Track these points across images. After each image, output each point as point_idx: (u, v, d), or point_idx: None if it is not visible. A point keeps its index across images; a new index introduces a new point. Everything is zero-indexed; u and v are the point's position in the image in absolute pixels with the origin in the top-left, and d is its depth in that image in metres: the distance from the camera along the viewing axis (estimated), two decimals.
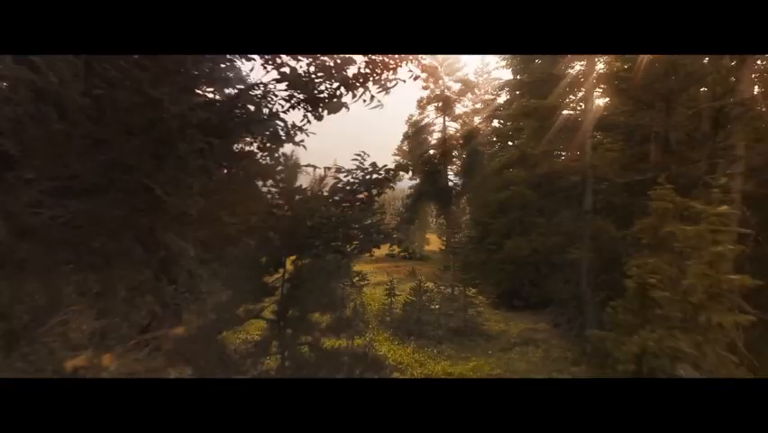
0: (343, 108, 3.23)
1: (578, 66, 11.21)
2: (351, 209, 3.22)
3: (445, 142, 25.59)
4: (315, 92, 3.15)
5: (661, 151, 10.31)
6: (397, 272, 22.71)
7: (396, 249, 27.76)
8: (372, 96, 3.26)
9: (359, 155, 3.25)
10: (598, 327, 10.35)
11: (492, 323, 13.37)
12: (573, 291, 10.75)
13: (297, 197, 3.03)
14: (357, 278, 16.65)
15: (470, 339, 11.53)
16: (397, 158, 26.27)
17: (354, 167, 3.23)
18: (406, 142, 25.85)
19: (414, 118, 26.15)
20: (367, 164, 3.28)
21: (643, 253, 6.62)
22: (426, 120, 26.11)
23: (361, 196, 3.25)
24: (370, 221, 3.33)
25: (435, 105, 26.03)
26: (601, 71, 10.12)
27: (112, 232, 2.61)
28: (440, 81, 26.16)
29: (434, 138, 26.02)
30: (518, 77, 16.13)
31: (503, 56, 17.13)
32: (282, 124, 3.08)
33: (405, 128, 26.69)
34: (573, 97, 11.38)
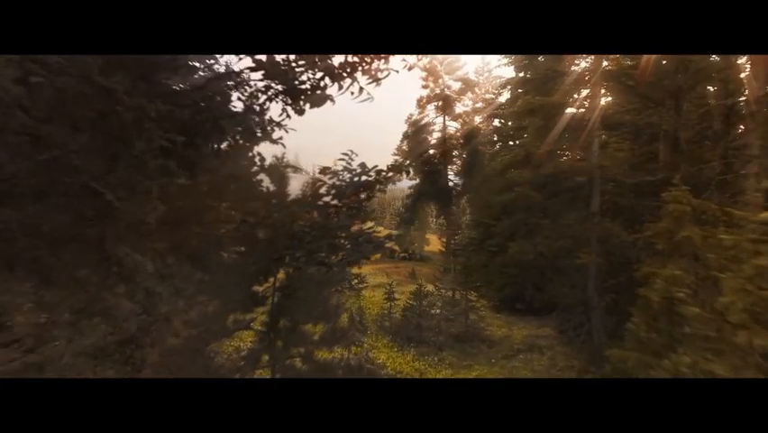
0: (328, 101, 2.85)
1: (583, 63, 10.82)
2: (336, 216, 2.84)
3: (445, 142, 25.30)
4: (296, 82, 2.77)
5: (670, 150, 9.90)
6: (396, 274, 22.38)
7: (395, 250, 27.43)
8: (361, 88, 2.87)
9: (346, 154, 2.87)
10: (606, 335, 9.98)
11: (495, 328, 12.99)
12: (579, 297, 10.33)
13: (275, 201, 2.65)
14: (356, 280, 16.34)
15: (471, 345, 11.15)
16: (397, 158, 25.92)
17: (341, 168, 2.85)
18: (405, 142, 25.55)
19: (413, 117, 25.88)
20: (355, 165, 2.90)
21: (655, 258, 6.22)
22: (426, 119, 25.83)
23: (347, 200, 2.87)
24: (358, 228, 2.95)
25: (435, 104, 25.77)
26: (608, 68, 9.70)
27: (53, 244, 2.24)
28: (440, 80, 25.90)
29: (434, 138, 25.79)
30: (521, 74, 15.72)
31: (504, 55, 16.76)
32: (257, 118, 2.69)
33: (405, 127, 26.43)
34: (579, 95, 10.96)
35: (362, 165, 2.91)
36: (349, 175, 2.89)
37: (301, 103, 2.85)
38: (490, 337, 11.82)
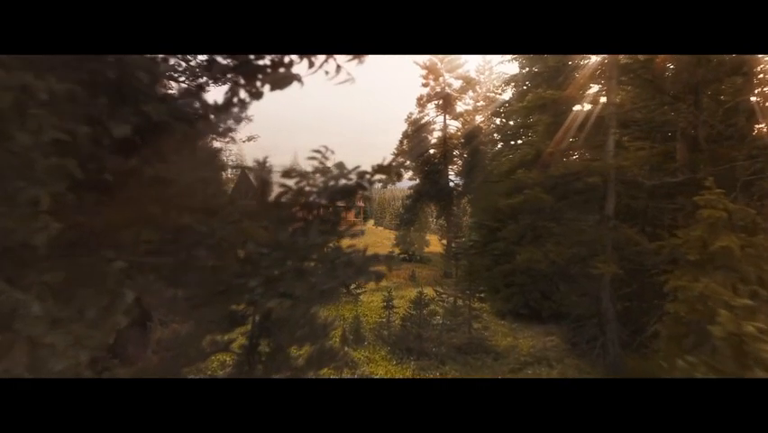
0: (295, 82, 2.17)
1: (594, 56, 10.11)
2: (306, 232, 2.17)
3: (446, 141, 24.68)
4: (251, 57, 2.11)
5: (687, 149, 9.20)
6: (396, 276, 21.75)
7: (396, 250, 26.87)
8: (339, 66, 2.19)
9: (318, 152, 2.20)
10: (622, 349, 9.28)
11: (499, 336, 12.31)
12: (591, 306, 9.62)
13: (219, 214, 1.98)
14: (353, 285, 15.64)
15: (475, 357, 10.45)
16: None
17: (311, 169, 2.18)
18: (405, 142, 24.93)
19: (413, 116, 25.24)
20: (330, 165, 2.23)
21: (683, 269, 5.53)
22: (426, 118, 25.20)
23: (320, 211, 2.21)
24: (334, 247, 2.29)
25: (436, 102, 25.14)
26: (624, 60, 8.95)
27: None
28: (440, 78, 25.28)
29: (435, 137, 25.17)
30: (526, 70, 15.02)
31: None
32: (198, 103, 2.03)
33: (405, 127, 25.82)
34: (592, 90, 10.20)
35: (340, 165, 2.23)
36: (322, 179, 2.22)
37: (258, 84, 2.19)
38: (495, 348, 11.12)
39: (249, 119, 2.39)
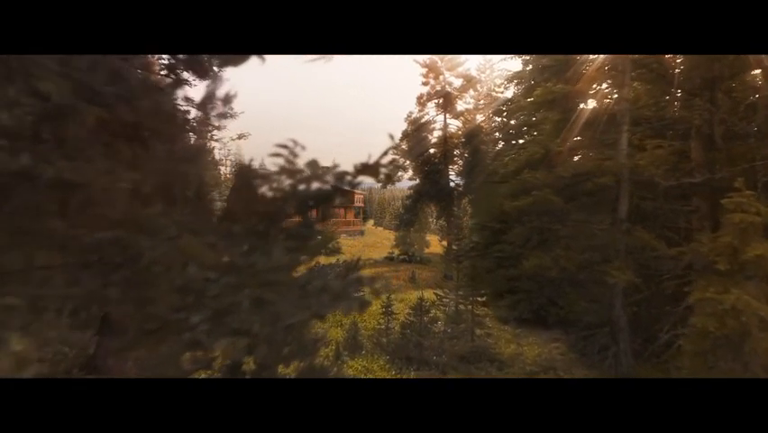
0: (254, 58, 1.69)
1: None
2: (267, 250, 1.69)
3: (446, 141, 24.22)
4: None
5: (702, 148, 8.70)
6: (395, 278, 21.31)
7: (396, 251, 26.48)
8: None
9: (284, 147, 1.71)
10: (635, 359, 8.79)
11: (503, 343, 11.82)
12: (602, 313, 9.11)
13: (154, 230, 1.50)
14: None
15: (478, 367, 9.95)
16: (395, 158, 24.92)
17: (276, 168, 1.70)
18: (405, 141, 24.49)
19: (413, 115, 24.78)
20: (302, 164, 1.74)
21: (708, 278, 5.04)
22: (426, 117, 24.74)
23: (285, 222, 1.73)
24: (307, 269, 1.81)
25: (436, 101, 24.68)
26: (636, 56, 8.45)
27: None
28: (440, 77, 24.82)
29: (435, 136, 24.71)
30: (530, 67, 14.53)
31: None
32: (123, 82, 1.54)
33: (405, 126, 25.38)
34: (603, 85, 9.64)
35: (313, 164, 1.75)
36: (290, 181, 1.73)
37: (205, 60, 1.72)
38: (499, 356, 10.62)
39: (209, 108, 1.91)
